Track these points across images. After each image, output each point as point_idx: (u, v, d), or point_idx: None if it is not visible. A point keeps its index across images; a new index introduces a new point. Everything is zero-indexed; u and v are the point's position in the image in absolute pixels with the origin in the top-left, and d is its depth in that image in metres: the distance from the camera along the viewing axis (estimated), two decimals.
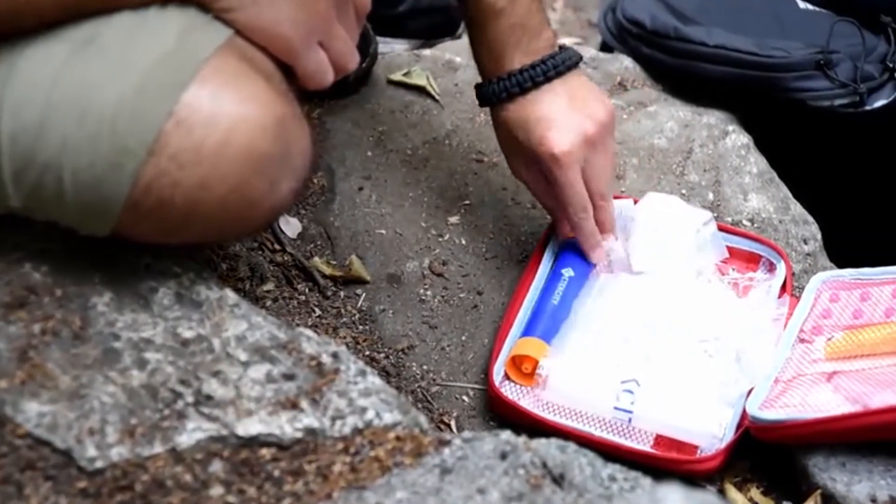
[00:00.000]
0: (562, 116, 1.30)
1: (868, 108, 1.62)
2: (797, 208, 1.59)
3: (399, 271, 1.44)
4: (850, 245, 1.68)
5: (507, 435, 0.99)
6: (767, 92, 1.64)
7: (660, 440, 1.23)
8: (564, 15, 2.23)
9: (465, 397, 1.33)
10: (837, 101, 1.61)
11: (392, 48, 1.79)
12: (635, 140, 1.63)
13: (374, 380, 1.04)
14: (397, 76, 1.69)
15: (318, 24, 1.06)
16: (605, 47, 1.85)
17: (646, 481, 0.99)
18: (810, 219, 1.59)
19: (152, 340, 1.00)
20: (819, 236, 1.57)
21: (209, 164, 0.95)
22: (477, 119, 1.63)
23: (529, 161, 1.33)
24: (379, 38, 1.71)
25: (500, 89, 1.31)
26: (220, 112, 0.95)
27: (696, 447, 1.22)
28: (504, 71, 1.31)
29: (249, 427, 0.96)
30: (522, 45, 1.30)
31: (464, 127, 1.62)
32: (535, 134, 1.30)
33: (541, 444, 0.99)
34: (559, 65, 1.31)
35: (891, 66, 1.62)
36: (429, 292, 1.42)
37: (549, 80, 1.30)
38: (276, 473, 0.94)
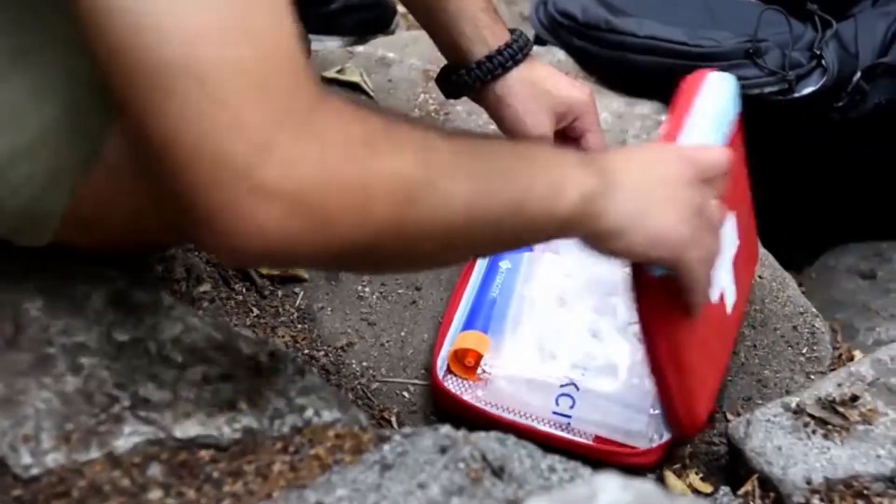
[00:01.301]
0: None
1: (797, 95, 1.64)
2: None
3: None
4: (782, 229, 1.71)
5: (446, 429, 1.00)
6: None
7: (599, 437, 1.24)
8: (498, 9, 2.23)
9: (405, 393, 1.33)
10: (767, 89, 1.63)
11: (325, 45, 1.78)
12: None
13: (312, 378, 1.03)
14: (331, 73, 1.68)
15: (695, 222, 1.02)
16: (538, 40, 1.86)
17: (585, 471, 1.00)
18: None
19: (87, 345, 0.99)
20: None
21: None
22: (412, 114, 1.63)
23: (551, 111, 1.36)
24: (311, 36, 1.71)
25: (506, 57, 1.34)
26: None
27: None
28: (501, 42, 1.34)
29: (187, 429, 0.95)
30: (496, 19, 1.35)
31: None
32: (564, 81, 1.37)
33: (480, 437, 0.99)
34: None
35: (818, 53, 1.65)
36: (367, 289, 1.42)
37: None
38: (216, 475, 0.93)
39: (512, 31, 1.36)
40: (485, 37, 1.34)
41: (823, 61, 1.64)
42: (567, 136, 1.38)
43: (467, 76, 1.35)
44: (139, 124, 0.80)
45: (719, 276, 1.19)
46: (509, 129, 1.36)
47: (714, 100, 1.16)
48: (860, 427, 1.17)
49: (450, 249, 0.92)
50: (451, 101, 1.66)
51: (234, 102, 0.78)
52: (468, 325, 1.32)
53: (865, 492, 1.12)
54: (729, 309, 1.26)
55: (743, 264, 1.31)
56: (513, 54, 1.34)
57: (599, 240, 0.99)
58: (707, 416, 1.22)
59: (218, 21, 0.78)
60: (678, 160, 1.04)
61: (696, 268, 1.03)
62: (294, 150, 0.79)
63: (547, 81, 1.36)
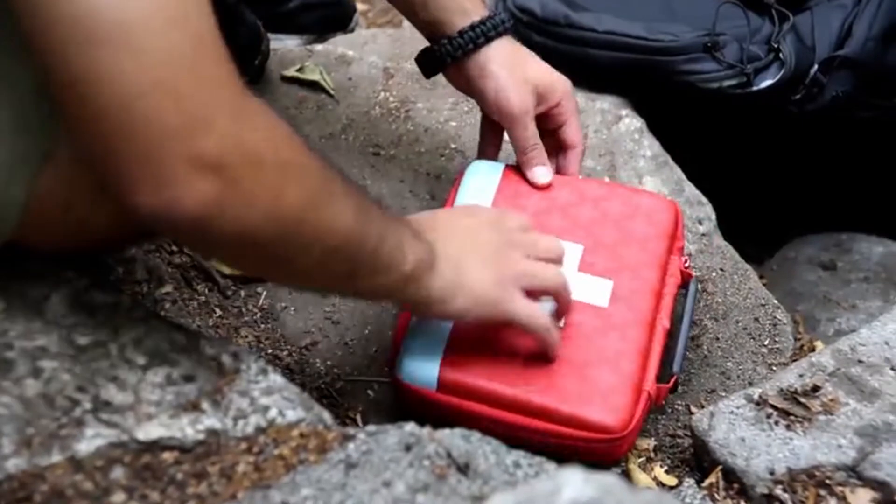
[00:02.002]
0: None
1: (755, 88, 1.65)
2: (691, 189, 1.61)
3: None
4: (743, 223, 1.72)
5: (411, 427, 1.00)
6: (658, 75, 1.66)
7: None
8: None
9: (370, 391, 1.33)
10: (726, 83, 1.64)
11: (284, 44, 1.78)
12: None
13: (275, 378, 1.03)
14: (290, 72, 1.68)
15: (510, 277, 1.15)
16: None
17: (550, 466, 1.00)
18: (704, 199, 1.62)
19: (47, 348, 0.99)
20: (713, 216, 1.60)
21: None
22: (372, 112, 1.63)
23: (534, 90, 1.36)
24: (270, 35, 1.70)
25: (489, 27, 1.34)
26: None
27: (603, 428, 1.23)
28: (482, 14, 1.35)
29: (150, 431, 0.95)
30: None
31: (359, 120, 1.62)
32: (545, 65, 1.38)
33: (445, 434, 0.99)
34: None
35: (776, 46, 1.66)
36: None
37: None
38: (179, 477, 0.93)
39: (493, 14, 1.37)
40: (466, 8, 1.35)
41: (781, 54, 1.65)
42: (545, 125, 1.39)
43: (449, 45, 1.35)
44: (78, 101, 0.84)
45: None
46: (492, 104, 1.36)
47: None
48: (822, 417, 1.18)
49: (323, 269, 1.00)
50: (412, 98, 1.66)
51: (172, 78, 0.83)
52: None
53: (828, 481, 1.13)
54: (605, 304, 1.27)
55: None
56: (495, 25, 1.34)
57: (428, 306, 1.11)
58: (639, 404, 1.23)
59: (150, 10, 0.83)
60: (489, 226, 1.19)
61: (522, 315, 1.15)
62: (231, 128, 0.86)
63: (529, 61, 1.37)
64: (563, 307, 1.22)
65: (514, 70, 1.36)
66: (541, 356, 1.22)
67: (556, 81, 1.37)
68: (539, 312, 1.18)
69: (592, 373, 1.23)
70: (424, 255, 1.09)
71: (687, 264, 1.38)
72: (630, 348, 1.26)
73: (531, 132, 1.37)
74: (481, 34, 1.34)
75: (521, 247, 1.18)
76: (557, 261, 1.22)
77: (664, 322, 1.30)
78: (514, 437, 1.13)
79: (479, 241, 1.17)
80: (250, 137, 0.88)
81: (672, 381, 1.26)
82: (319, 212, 0.95)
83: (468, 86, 1.38)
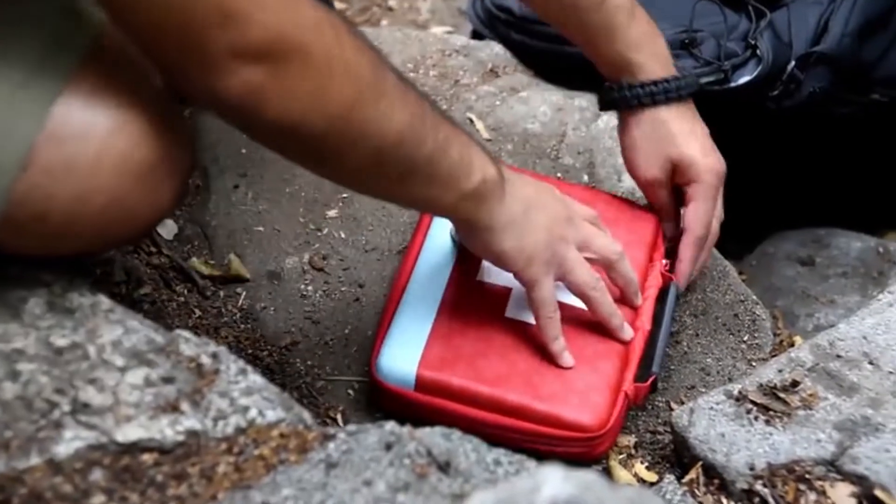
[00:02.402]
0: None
1: (733, 84, 1.65)
2: None
3: (279, 268, 1.43)
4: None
5: (391, 426, 0.99)
6: None
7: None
8: (435, 4, 2.23)
9: (350, 391, 1.32)
10: (704, 79, 1.64)
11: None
12: (509, 126, 1.64)
13: (255, 378, 1.03)
14: None
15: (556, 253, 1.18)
16: (476, 35, 1.86)
17: (531, 464, 1.00)
18: None
19: (24, 351, 0.98)
20: None
21: (84, 176, 0.94)
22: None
23: (667, 161, 1.37)
24: None
25: (661, 90, 1.35)
26: (93, 122, 0.94)
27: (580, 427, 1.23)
28: (667, 72, 1.36)
29: (129, 433, 0.94)
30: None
31: None
32: (700, 141, 1.37)
33: (425, 432, 0.99)
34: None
35: (753, 42, 1.66)
36: (310, 287, 1.41)
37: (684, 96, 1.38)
38: (159, 478, 0.93)
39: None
40: (651, 65, 1.35)
41: (758, 51, 1.66)
42: (679, 199, 1.41)
43: (628, 91, 1.36)
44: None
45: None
46: (624, 159, 1.41)
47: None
48: (801, 412, 1.19)
49: (374, 169, 1.02)
50: None
51: None
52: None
53: (807, 476, 1.13)
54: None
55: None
56: (667, 89, 1.35)
57: (477, 230, 1.13)
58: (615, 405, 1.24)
59: None
60: (557, 199, 1.21)
61: (540, 285, 1.19)
62: (276, 19, 0.89)
63: (680, 132, 1.36)
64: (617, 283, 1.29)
65: (650, 138, 1.37)
66: (534, 350, 1.25)
67: (695, 158, 1.36)
68: (552, 295, 1.21)
69: (570, 372, 1.24)
70: (495, 178, 1.11)
71: (667, 268, 1.39)
72: (608, 349, 1.27)
73: (657, 200, 1.41)
74: (648, 94, 1.35)
75: (580, 232, 1.21)
76: (605, 262, 1.26)
77: (645, 324, 1.31)
78: (493, 437, 1.13)
79: (546, 204, 1.19)
80: (296, 29, 0.90)
81: (651, 380, 1.26)
82: (368, 109, 0.96)
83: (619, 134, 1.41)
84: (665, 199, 1.40)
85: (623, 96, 1.36)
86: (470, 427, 1.14)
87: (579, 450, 1.22)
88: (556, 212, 1.19)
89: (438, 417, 1.19)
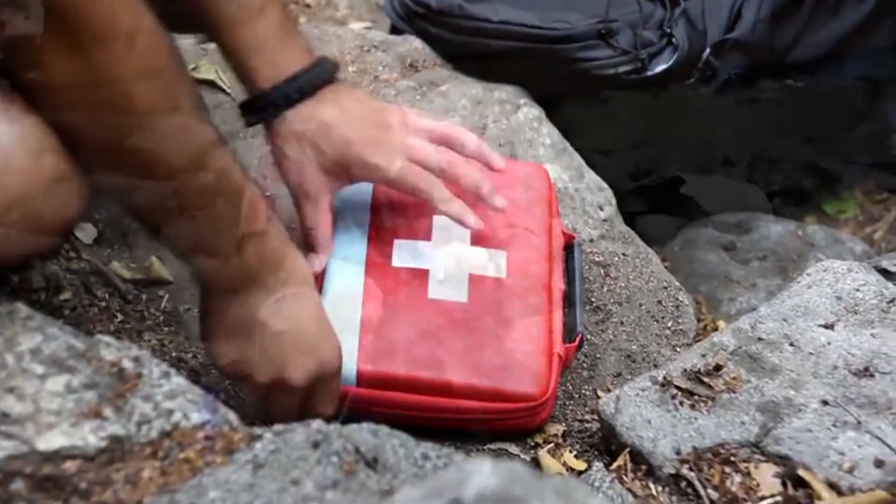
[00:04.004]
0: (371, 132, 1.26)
1: (650, 73, 1.66)
2: (591, 175, 1.63)
3: None
4: (644, 205, 1.74)
5: (318, 424, 0.99)
6: (554, 64, 1.67)
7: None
8: (352, 0, 2.23)
9: None
10: (621, 69, 1.65)
11: (177, 43, 1.75)
12: None
13: (179, 381, 1.02)
14: None
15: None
16: (394, 30, 1.86)
17: (458, 457, 1.00)
18: (604, 185, 1.63)
19: None
20: (614, 201, 1.61)
21: None
22: None
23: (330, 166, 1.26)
24: None
25: (292, 89, 1.23)
26: None
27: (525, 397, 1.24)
28: (292, 71, 1.23)
29: (51, 441, 0.93)
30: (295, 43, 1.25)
31: None
32: (364, 131, 1.25)
33: (353, 429, 0.99)
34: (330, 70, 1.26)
35: (668, 31, 1.67)
36: None
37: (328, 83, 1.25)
38: (83, 485, 0.91)
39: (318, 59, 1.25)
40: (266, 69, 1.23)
41: (674, 39, 1.67)
42: None
43: (246, 115, 1.26)
44: None
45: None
46: (291, 184, 1.29)
47: None
48: (725, 396, 1.20)
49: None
50: None
51: None
52: None
53: (732, 458, 1.14)
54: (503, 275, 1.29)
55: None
56: (286, 94, 1.22)
57: None
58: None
59: None
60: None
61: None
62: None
63: (335, 127, 1.24)
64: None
65: (302, 151, 1.25)
66: (466, 328, 1.25)
67: (355, 155, 1.25)
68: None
69: (506, 345, 1.24)
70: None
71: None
72: (535, 315, 1.27)
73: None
74: (268, 105, 1.23)
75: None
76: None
77: (559, 284, 1.32)
78: (440, 421, 1.13)
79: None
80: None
81: (578, 339, 1.28)
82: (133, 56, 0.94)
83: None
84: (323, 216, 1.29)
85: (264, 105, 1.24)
86: (417, 415, 1.15)
87: (524, 420, 1.24)
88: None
89: (385, 409, 1.19)
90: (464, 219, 1.27)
